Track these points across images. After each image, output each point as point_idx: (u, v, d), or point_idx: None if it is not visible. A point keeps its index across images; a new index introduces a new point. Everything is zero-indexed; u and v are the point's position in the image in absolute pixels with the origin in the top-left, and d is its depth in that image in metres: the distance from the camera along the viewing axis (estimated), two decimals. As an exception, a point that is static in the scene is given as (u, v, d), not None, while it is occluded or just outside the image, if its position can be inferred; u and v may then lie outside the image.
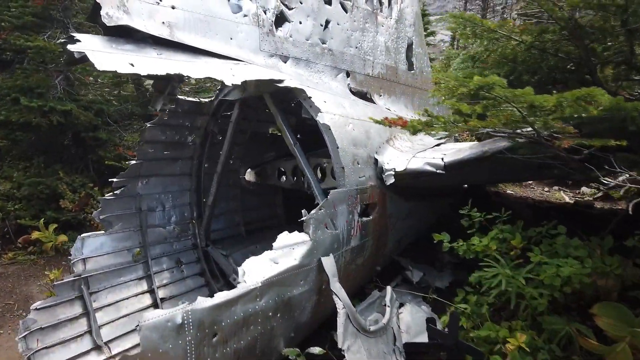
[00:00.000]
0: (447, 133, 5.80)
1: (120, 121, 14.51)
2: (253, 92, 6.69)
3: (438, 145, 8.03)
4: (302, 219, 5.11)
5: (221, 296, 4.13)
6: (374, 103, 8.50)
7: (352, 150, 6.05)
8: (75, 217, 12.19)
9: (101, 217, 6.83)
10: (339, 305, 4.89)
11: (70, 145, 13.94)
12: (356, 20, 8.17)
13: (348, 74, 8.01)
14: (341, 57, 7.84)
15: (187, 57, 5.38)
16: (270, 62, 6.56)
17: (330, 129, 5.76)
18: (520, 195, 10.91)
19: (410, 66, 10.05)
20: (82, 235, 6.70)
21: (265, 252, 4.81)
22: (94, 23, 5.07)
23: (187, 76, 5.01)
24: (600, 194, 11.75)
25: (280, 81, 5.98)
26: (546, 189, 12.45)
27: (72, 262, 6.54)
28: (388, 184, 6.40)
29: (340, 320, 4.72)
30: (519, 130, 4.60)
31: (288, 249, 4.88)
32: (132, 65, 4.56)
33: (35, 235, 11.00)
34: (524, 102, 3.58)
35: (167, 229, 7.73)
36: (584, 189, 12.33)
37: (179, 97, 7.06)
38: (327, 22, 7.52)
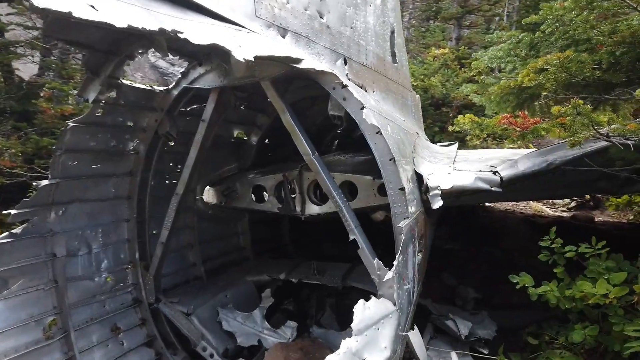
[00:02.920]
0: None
1: (-15, 120, 11.14)
2: (242, 76, 4.84)
3: (455, 154, 6.88)
4: (386, 277, 3.43)
5: None
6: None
7: (403, 163, 4.53)
8: None
9: (-10, 273, 4.42)
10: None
11: None
12: (350, -9, 6.68)
13: (345, 61, 6.46)
14: (339, 37, 6.26)
15: (172, 10, 3.44)
16: (269, 35, 4.78)
17: (382, 133, 4.19)
18: (507, 209, 10.30)
19: (394, 58, 8.83)
20: (-46, 305, 4.26)
21: (345, 343, 3.06)
22: None
23: (183, 39, 3.07)
24: (573, 204, 11.69)
25: (298, 61, 4.30)
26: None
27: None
28: (436, 207, 4.96)
29: None
30: None
31: (372, 332, 3.19)
32: (93, 8, 2.56)
33: None
34: None
35: (95, 280, 5.43)
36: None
37: (124, 81, 4.90)
38: (324, -12, 5.93)
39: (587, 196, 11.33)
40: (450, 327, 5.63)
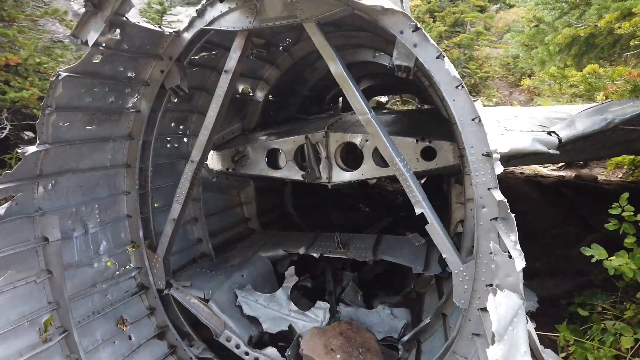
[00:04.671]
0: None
1: None
2: (277, 16, 4.02)
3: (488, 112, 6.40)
4: (519, 265, 2.85)
5: None
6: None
7: (478, 123, 3.96)
8: None
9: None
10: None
11: None
12: None
13: None
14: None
15: None
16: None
17: (463, 87, 3.59)
18: (505, 169, 10.06)
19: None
20: None
21: (491, 353, 2.53)
22: None
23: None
24: (562, 164, 11.74)
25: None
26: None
27: None
28: (496, 173, 4.48)
29: None
30: None
31: (511, 335, 2.70)
32: None
33: None
34: None
35: (95, 267, 4.58)
36: (542, 158, 12.17)
37: (130, 19, 3.91)
38: None
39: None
40: (496, 302, 5.28)
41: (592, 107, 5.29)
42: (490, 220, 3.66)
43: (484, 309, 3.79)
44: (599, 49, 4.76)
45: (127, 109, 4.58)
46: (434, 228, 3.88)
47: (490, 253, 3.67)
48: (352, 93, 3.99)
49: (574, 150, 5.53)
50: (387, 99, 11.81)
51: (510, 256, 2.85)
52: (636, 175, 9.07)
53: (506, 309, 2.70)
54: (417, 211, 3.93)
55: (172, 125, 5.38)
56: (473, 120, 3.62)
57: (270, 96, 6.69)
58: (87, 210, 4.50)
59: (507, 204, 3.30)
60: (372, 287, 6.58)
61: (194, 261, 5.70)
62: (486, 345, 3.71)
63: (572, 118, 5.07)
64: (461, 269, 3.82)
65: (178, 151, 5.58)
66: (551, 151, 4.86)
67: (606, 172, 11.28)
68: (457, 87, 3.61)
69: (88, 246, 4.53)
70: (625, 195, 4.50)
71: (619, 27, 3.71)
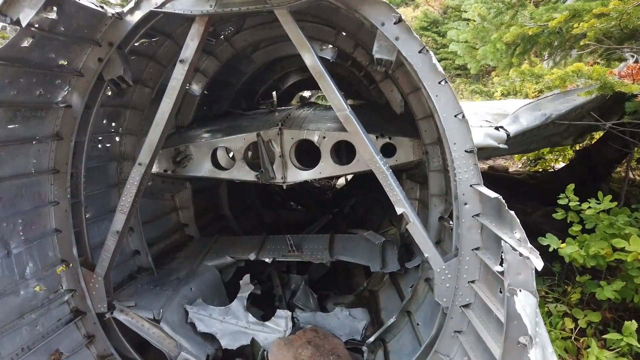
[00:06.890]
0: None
1: None
2: (244, 0, 3.69)
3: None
4: (539, 264, 2.82)
5: None
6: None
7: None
8: None
9: None
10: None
11: None
12: None
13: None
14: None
15: None
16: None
17: (447, 82, 3.60)
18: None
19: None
20: None
21: (533, 357, 2.50)
22: None
23: None
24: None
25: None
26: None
27: None
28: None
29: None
30: None
31: (540, 336, 2.72)
32: None
33: None
34: None
35: (21, 294, 3.86)
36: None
37: (71, -5, 3.31)
38: None
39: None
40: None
41: (529, 103, 5.68)
42: (473, 216, 3.74)
43: (467, 306, 3.88)
44: (541, 47, 5.13)
45: (55, 104, 3.90)
46: (416, 228, 3.86)
47: (474, 249, 3.76)
48: (330, 88, 3.81)
49: (515, 144, 5.90)
50: (310, 94, 11.78)
51: (521, 254, 2.87)
52: (541, 165, 10.09)
53: (530, 310, 2.72)
54: (398, 210, 3.88)
55: (104, 122, 4.73)
56: (456, 116, 3.64)
57: (204, 90, 6.21)
58: (9, 227, 3.78)
59: (503, 200, 3.35)
60: (318, 288, 6.47)
61: (132, 277, 5.10)
62: (470, 342, 3.80)
63: (516, 114, 5.40)
64: (443, 267, 3.85)
65: (109, 152, 4.93)
66: (501, 145, 5.13)
67: (508, 162, 12.43)
68: (440, 82, 3.60)
69: (12, 270, 3.80)
70: (572, 186, 4.87)
71: (577, 27, 4.00)
